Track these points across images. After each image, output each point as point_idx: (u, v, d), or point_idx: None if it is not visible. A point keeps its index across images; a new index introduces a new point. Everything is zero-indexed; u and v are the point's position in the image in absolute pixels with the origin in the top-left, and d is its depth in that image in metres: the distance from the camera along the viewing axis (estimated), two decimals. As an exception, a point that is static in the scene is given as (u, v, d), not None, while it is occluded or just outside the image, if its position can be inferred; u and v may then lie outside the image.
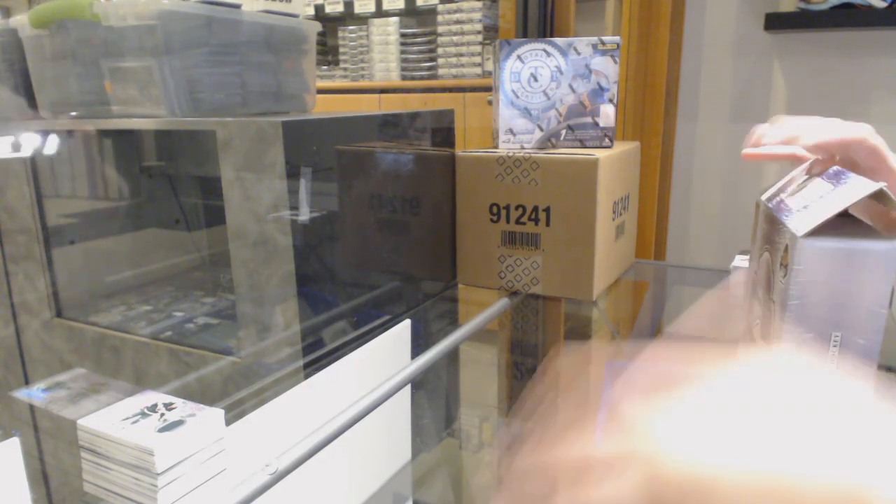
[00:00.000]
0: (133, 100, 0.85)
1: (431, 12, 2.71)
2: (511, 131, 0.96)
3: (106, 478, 0.51)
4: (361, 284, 0.87)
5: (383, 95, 2.76)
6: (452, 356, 1.09)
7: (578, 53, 0.94)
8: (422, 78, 2.76)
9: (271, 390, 0.75)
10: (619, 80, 0.96)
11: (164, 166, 1.20)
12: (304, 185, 0.74)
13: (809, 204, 0.42)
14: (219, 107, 0.87)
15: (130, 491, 0.50)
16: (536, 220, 0.93)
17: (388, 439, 0.90)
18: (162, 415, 0.52)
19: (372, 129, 0.88)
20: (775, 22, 1.77)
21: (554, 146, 0.97)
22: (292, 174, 0.73)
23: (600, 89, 0.95)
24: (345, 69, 3.00)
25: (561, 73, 0.94)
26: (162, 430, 0.50)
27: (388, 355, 0.83)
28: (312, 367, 0.77)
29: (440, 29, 2.65)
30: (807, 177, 0.48)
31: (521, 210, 0.94)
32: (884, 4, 1.60)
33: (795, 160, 0.49)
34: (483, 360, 1.25)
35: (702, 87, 1.99)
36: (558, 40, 0.94)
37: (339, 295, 0.83)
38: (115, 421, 0.51)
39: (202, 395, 0.85)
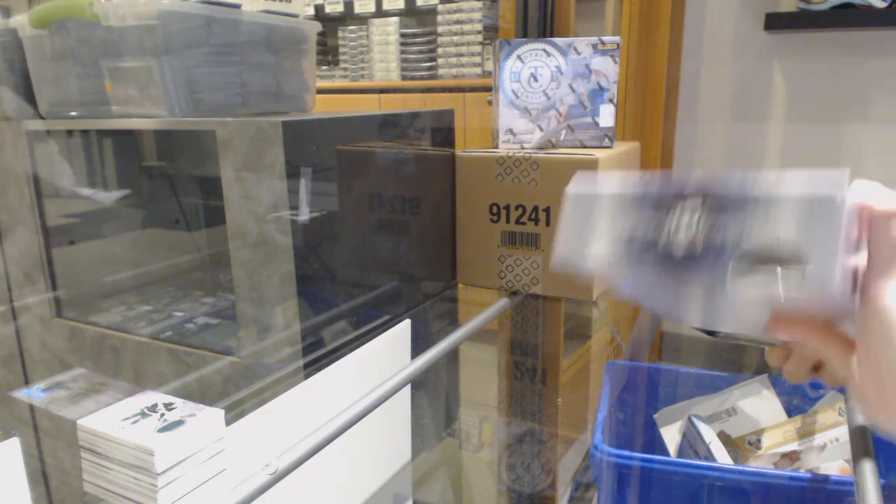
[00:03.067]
0: (133, 100, 0.85)
1: (431, 12, 2.70)
2: (511, 131, 0.96)
3: (106, 478, 0.51)
4: (361, 284, 0.87)
5: (383, 95, 2.76)
6: (452, 356, 1.09)
7: (578, 53, 0.94)
8: (422, 78, 2.75)
9: (271, 390, 0.75)
10: (619, 80, 0.95)
11: (164, 166, 1.20)
12: (304, 185, 0.74)
13: None
14: (219, 107, 0.87)
15: (130, 491, 0.50)
16: (536, 220, 0.93)
17: (388, 439, 0.90)
18: (162, 415, 0.52)
19: (372, 129, 0.88)
20: (775, 22, 1.76)
21: (554, 146, 0.97)
22: (292, 174, 0.73)
23: (600, 89, 0.95)
24: (345, 69, 3.00)
25: (561, 73, 0.94)
26: (162, 430, 0.50)
27: (387, 355, 0.83)
28: (312, 367, 0.77)
29: (440, 29, 2.65)
30: None
31: (521, 210, 0.94)
32: (884, 4, 1.60)
33: None
34: (483, 360, 1.25)
35: (702, 87, 1.98)
36: (558, 40, 0.94)
37: (339, 295, 0.83)
38: (115, 421, 0.51)
39: (202, 395, 0.85)
